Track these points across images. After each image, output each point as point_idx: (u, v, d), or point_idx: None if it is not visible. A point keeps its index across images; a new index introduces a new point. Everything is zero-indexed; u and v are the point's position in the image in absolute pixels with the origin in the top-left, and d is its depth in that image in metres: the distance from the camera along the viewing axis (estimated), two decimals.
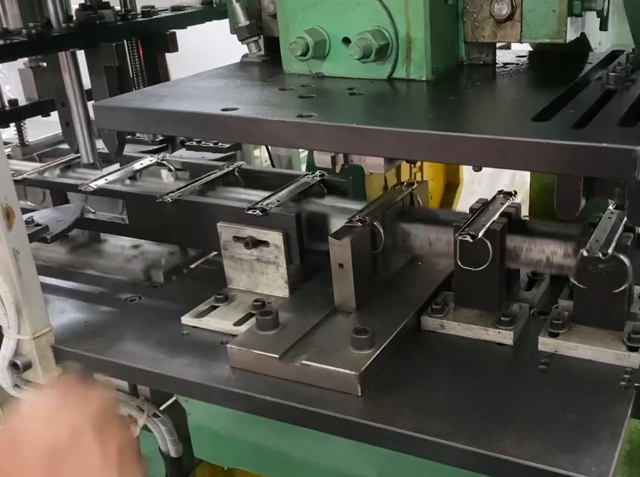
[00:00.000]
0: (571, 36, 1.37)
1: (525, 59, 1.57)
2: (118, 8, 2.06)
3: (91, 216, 2.02)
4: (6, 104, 2.16)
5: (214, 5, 1.98)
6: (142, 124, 1.42)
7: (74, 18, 1.93)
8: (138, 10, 2.11)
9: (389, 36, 1.37)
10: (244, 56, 1.70)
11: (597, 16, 1.40)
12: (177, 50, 2.14)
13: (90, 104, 2.00)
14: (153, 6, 2.11)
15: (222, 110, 1.25)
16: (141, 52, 2.08)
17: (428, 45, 1.37)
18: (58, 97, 2.02)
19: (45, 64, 2.08)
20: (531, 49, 1.62)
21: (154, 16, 2.08)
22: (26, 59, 2.06)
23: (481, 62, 1.50)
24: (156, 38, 2.09)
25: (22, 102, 2.21)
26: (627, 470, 1.52)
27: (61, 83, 1.99)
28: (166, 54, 2.16)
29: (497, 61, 1.52)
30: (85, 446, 1.01)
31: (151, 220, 1.89)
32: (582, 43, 1.48)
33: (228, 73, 1.59)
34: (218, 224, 1.68)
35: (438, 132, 1.10)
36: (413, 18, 1.35)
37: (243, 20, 1.60)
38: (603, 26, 1.44)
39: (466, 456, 1.18)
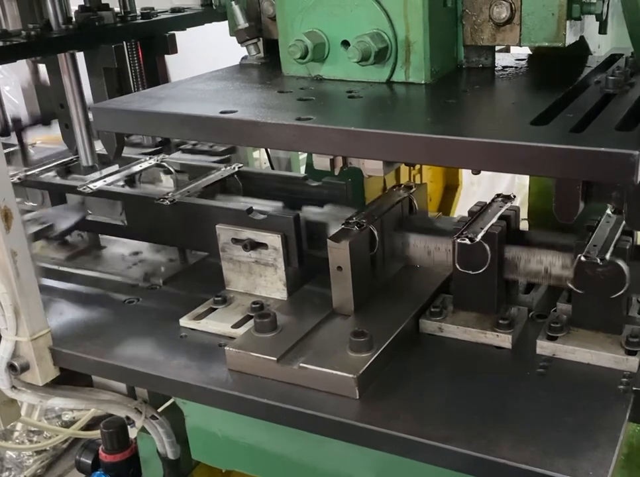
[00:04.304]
0: (570, 39, 1.38)
1: (524, 62, 1.57)
2: (117, 9, 2.06)
3: (91, 217, 2.02)
4: (10, 121, 2.16)
5: (214, 7, 1.99)
6: (141, 127, 1.43)
7: (73, 19, 1.93)
8: (138, 12, 2.11)
9: (388, 39, 1.37)
10: (243, 58, 1.70)
11: (596, 20, 1.41)
12: (176, 52, 2.14)
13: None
14: (152, 8, 2.12)
15: (221, 112, 1.26)
16: (140, 53, 2.08)
17: (427, 48, 1.37)
18: (57, 98, 2.02)
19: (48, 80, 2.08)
20: (530, 52, 1.62)
21: (153, 18, 2.08)
22: (29, 75, 2.05)
23: (481, 65, 1.50)
24: (155, 40, 2.09)
25: (22, 107, 2.22)
26: (625, 473, 1.52)
27: (60, 85, 1.99)
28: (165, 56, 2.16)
29: (496, 65, 1.52)
30: None
31: (150, 222, 1.89)
32: (581, 46, 1.49)
33: (227, 76, 1.60)
34: (217, 226, 1.68)
35: (436, 136, 1.10)
36: (412, 21, 1.35)
37: (242, 23, 1.60)
38: (602, 30, 1.44)
39: (463, 459, 1.18)
